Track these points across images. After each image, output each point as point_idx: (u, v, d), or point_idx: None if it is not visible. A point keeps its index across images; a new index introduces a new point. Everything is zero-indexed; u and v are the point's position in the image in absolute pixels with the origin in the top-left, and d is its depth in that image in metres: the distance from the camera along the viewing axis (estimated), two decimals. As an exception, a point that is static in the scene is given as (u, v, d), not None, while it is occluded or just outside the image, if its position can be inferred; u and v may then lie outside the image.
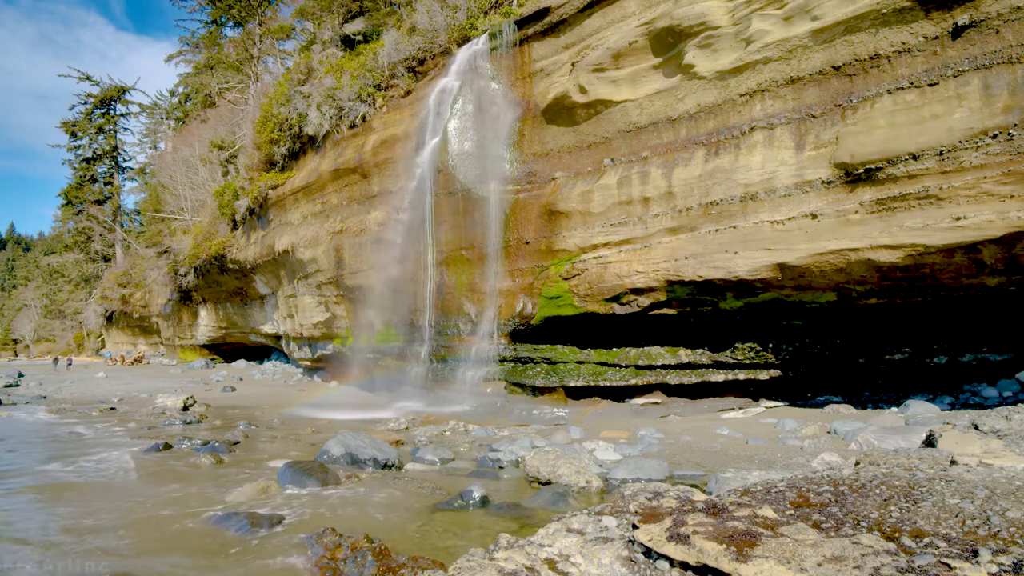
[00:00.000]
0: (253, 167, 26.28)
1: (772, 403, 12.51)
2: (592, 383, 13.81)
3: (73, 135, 54.56)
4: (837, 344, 11.58)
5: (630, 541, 3.84)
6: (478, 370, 15.95)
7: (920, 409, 9.82)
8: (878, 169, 9.69)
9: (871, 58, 10.05)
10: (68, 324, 62.12)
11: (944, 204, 9.11)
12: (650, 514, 4.06)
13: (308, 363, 26.21)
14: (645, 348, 13.53)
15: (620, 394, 13.84)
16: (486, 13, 17.33)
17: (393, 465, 9.03)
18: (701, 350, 12.86)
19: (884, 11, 9.75)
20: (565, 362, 14.52)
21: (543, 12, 14.87)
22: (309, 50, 25.84)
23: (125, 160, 57.14)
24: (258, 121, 25.48)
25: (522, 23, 15.40)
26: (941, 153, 9.06)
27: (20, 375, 31.67)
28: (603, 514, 4.35)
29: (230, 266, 28.70)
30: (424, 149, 17.09)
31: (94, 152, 55.05)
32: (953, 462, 4.63)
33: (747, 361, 12.41)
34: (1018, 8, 8.57)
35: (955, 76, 9.02)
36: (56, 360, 43.54)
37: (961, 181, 8.91)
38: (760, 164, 11.16)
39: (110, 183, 55.35)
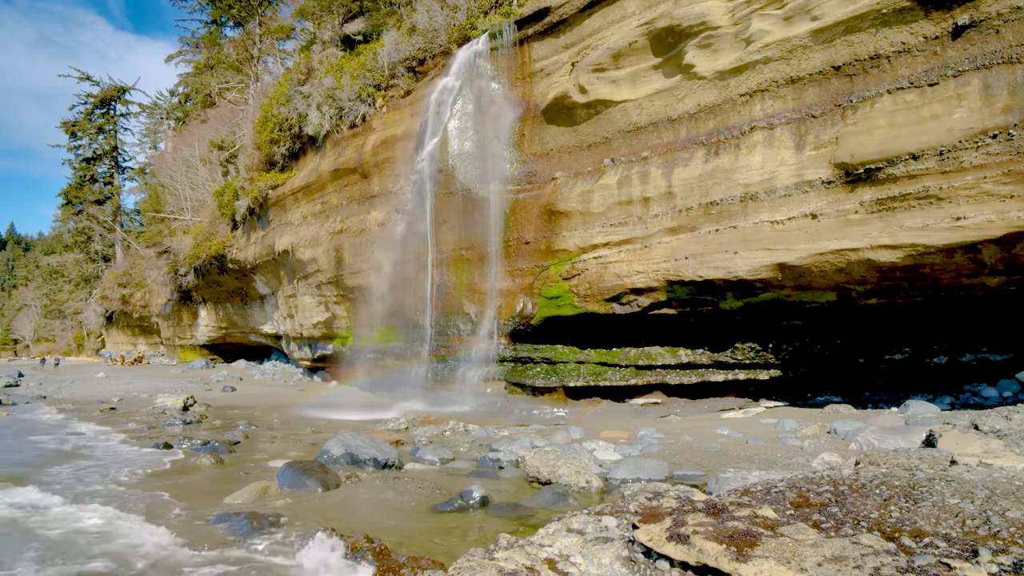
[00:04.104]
0: (253, 167, 26.27)
1: (772, 403, 12.51)
2: (592, 383, 13.80)
3: (73, 135, 54.50)
4: (837, 344, 11.58)
5: (630, 541, 3.84)
6: (478, 370, 15.95)
7: (920, 409, 9.82)
8: (878, 169, 9.69)
9: (871, 58, 10.05)
10: (68, 324, 62.07)
11: (944, 204, 9.10)
12: (650, 514, 4.06)
13: (308, 363, 26.21)
14: (645, 348, 13.53)
15: (620, 394, 13.83)
16: (486, 13, 17.33)
17: (393, 465, 9.03)
18: (701, 350, 12.86)
19: (884, 11, 9.75)
20: (565, 362, 14.52)
21: (543, 12, 14.86)
22: (309, 50, 25.83)
23: (125, 160, 57.14)
24: (258, 121, 25.47)
25: (522, 23, 15.40)
26: (941, 153, 9.06)
27: (20, 375, 31.68)
28: (603, 514, 4.35)
29: (230, 266, 28.69)
30: (424, 149, 17.09)
31: (94, 152, 54.99)
32: (953, 462, 4.63)
33: (747, 361, 12.41)
34: (1018, 8, 8.57)
35: (955, 76, 9.02)
36: (43, 360, 43.51)
37: (961, 181, 8.91)
38: (760, 164, 11.16)
39: (110, 183, 55.31)
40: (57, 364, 41.84)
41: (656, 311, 12.98)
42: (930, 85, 9.26)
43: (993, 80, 8.65)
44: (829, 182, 10.32)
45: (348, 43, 24.23)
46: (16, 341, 77.56)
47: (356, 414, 15.26)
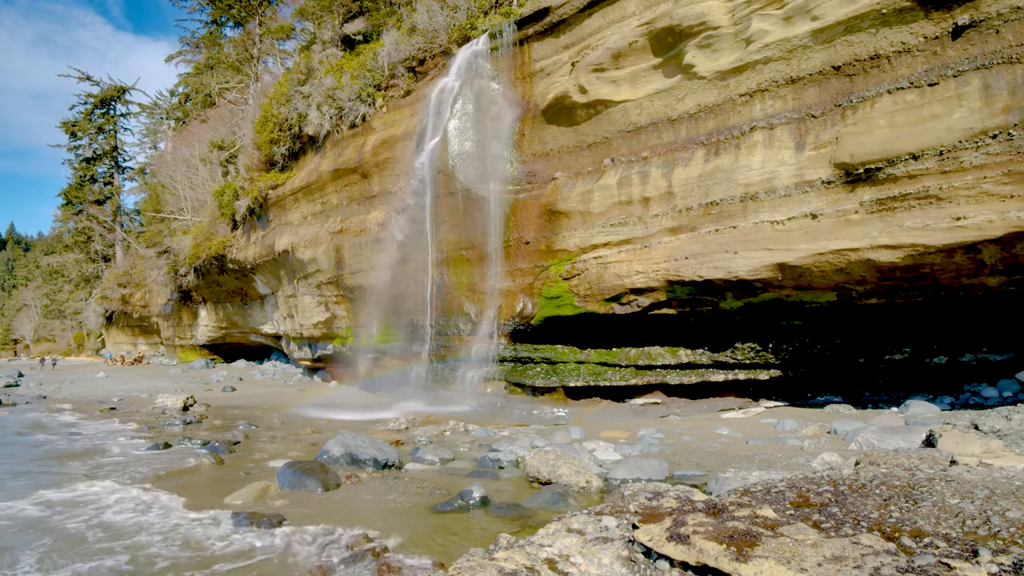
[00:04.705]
0: (253, 167, 26.26)
1: (772, 403, 12.51)
2: (592, 383, 13.80)
3: (73, 135, 54.48)
4: (837, 344, 11.58)
5: (630, 541, 3.84)
6: (478, 370, 15.94)
7: (920, 409, 9.82)
8: (878, 169, 9.69)
9: (871, 58, 10.04)
10: (68, 324, 62.05)
11: (944, 204, 9.10)
12: (650, 514, 4.06)
13: (308, 363, 26.20)
14: (645, 348, 13.53)
15: (620, 394, 13.83)
16: (486, 13, 17.32)
17: (393, 465, 9.03)
18: (701, 350, 12.86)
19: (884, 11, 9.75)
20: (565, 362, 14.52)
21: (543, 12, 14.86)
22: (309, 50, 25.82)
23: (125, 160, 57.12)
24: (258, 121, 25.46)
25: (522, 23, 15.40)
26: (941, 153, 9.06)
27: (20, 375, 31.70)
28: (603, 514, 4.35)
29: (230, 266, 28.69)
30: (424, 149, 17.09)
31: (94, 152, 54.98)
32: (953, 462, 4.64)
33: (747, 361, 12.41)
34: (1018, 8, 8.57)
35: (955, 76, 9.02)
36: (43, 360, 43.68)
37: (961, 181, 8.91)
38: (760, 164, 11.16)
39: (110, 183, 55.30)
40: (54, 364, 41.74)
41: (656, 311, 12.98)
42: (930, 85, 9.26)
43: (993, 80, 8.65)
44: (829, 182, 10.31)
45: (348, 43, 24.22)
46: (16, 341, 77.56)
47: (356, 414, 15.27)
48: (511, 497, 7.26)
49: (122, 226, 53.77)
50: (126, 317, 45.72)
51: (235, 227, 28.47)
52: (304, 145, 23.08)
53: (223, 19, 41.47)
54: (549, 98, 14.72)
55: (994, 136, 8.58)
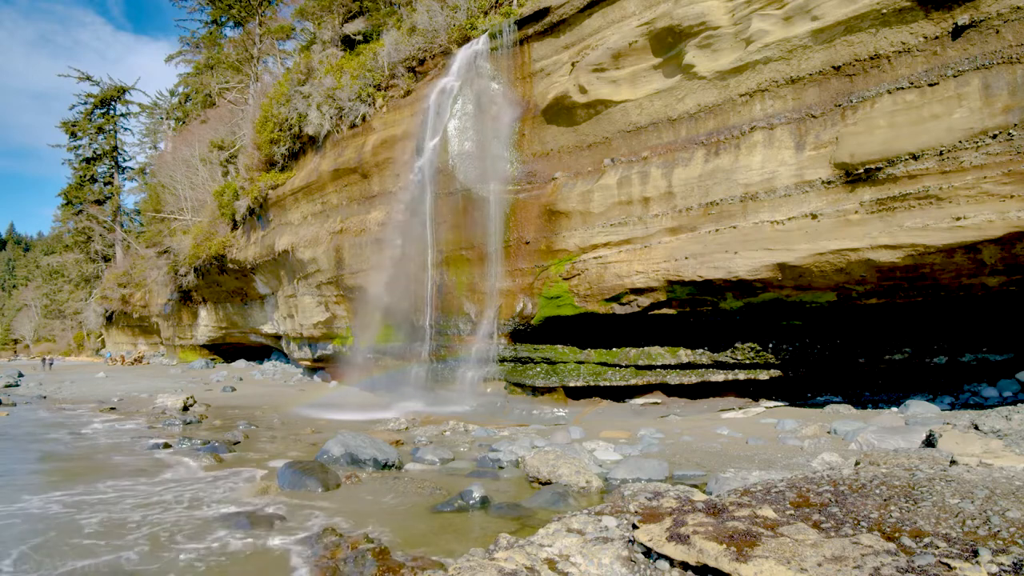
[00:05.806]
0: (253, 167, 26.26)
1: (772, 403, 12.51)
2: (592, 383, 13.80)
3: (73, 135, 54.46)
4: (837, 344, 11.58)
5: (630, 541, 3.84)
6: (478, 370, 15.94)
7: (920, 409, 9.82)
8: (878, 169, 9.69)
9: (871, 58, 10.04)
10: (68, 324, 62.05)
11: (944, 204, 9.10)
12: (650, 514, 4.06)
13: (308, 363, 26.20)
14: (645, 348, 13.53)
15: (620, 394, 13.83)
16: (486, 13, 17.32)
17: (393, 465, 9.03)
18: (701, 350, 12.86)
19: (884, 11, 9.75)
20: (565, 362, 14.52)
21: (543, 12, 14.86)
22: (309, 50, 25.82)
23: (125, 160, 57.08)
24: (258, 121, 25.45)
25: (522, 23, 15.39)
26: (941, 153, 9.06)
27: (20, 375, 31.70)
28: (603, 514, 4.35)
29: (230, 266, 28.69)
30: (424, 149, 17.08)
31: (94, 152, 54.96)
32: (953, 462, 4.64)
33: (747, 361, 12.41)
34: (1018, 8, 8.57)
35: (955, 76, 9.02)
36: (44, 360, 43.86)
37: (961, 181, 8.91)
38: (760, 164, 11.16)
39: (110, 183, 55.29)
40: (51, 365, 41.60)
41: (656, 311, 12.98)
42: (930, 85, 9.25)
43: (993, 80, 8.65)
44: (829, 182, 10.31)
45: (348, 43, 24.22)
46: (16, 341, 77.59)
47: (356, 414, 15.27)
48: (511, 497, 7.26)
49: (122, 226, 53.77)
50: (126, 317, 45.72)
51: (235, 227, 28.47)
52: (304, 145, 23.08)
53: (223, 19, 41.46)
54: (549, 98, 14.72)
55: (994, 136, 8.58)
